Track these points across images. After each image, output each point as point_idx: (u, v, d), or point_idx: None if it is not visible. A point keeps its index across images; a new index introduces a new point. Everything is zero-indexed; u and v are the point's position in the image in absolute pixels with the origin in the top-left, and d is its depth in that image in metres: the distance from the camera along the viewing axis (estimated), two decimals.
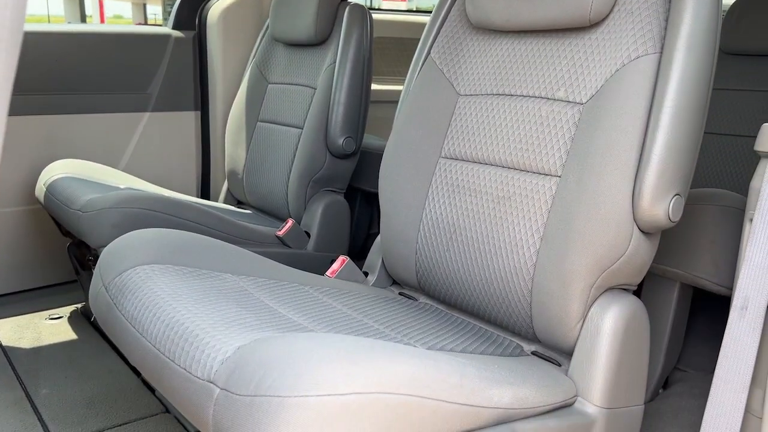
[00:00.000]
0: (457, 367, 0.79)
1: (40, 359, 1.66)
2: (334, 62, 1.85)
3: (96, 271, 1.05)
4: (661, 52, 1.00)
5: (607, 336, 0.99)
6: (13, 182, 2.05)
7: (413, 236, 1.29)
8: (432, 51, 1.35)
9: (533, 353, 1.11)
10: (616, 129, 1.00)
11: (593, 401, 0.99)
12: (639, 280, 1.07)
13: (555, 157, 1.09)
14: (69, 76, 2.12)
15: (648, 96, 0.99)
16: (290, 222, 1.79)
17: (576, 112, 1.08)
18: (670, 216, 0.98)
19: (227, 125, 2.22)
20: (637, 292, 1.51)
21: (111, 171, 2.02)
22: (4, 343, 1.75)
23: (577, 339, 1.03)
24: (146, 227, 1.52)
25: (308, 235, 1.83)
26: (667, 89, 0.97)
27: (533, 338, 1.12)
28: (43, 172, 1.88)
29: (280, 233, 1.77)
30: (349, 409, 0.66)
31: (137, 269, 0.98)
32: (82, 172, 1.87)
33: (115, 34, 2.19)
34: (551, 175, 1.09)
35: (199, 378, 0.73)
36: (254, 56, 2.20)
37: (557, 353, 1.10)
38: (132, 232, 1.10)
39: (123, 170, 2.28)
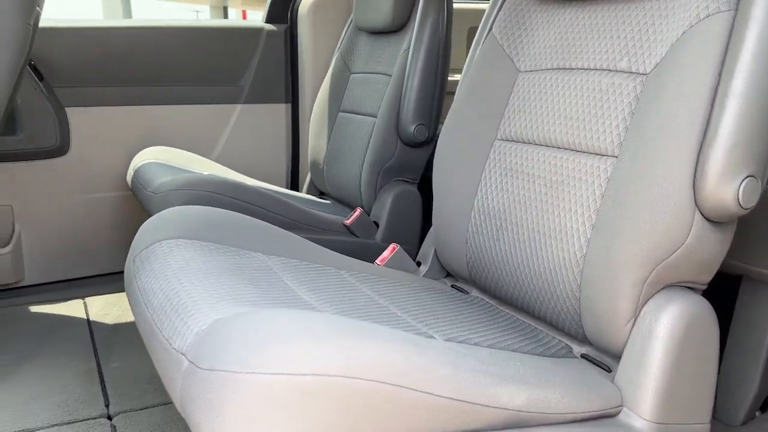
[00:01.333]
0: (451, 358, 0.70)
1: (119, 335, 1.75)
2: (409, 48, 1.79)
3: (132, 245, 1.07)
4: (737, 10, 0.84)
5: (662, 339, 0.85)
6: (112, 169, 2.18)
7: (464, 225, 1.20)
8: (494, 27, 1.26)
9: (582, 356, 0.99)
10: (679, 98, 0.86)
11: (642, 414, 0.85)
12: (707, 279, 0.91)
13: (613, 135, 0.96)
14: (167, 68, 2.22)
15: (718, 61, 0.84)
16: (358, 211, 1.75)
17: (638, 83, 0.94)
18: (741, 201, 0.82)
19: (312, 116, 2.23)
20: (730, 298, 1.32)
21: (198, 158, 2.08)
22: (91, 318, 1.86)
23: (627, 341, 0.90)
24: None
25: (377, 225, 1.78)
26: (742, 51, 0.82)
27: (583, 339, 0.99)
28: (134, 158, 1.98)
29: (348, 222, 1.74)
30: (306, 391, 0.60)
31: (162, 243, 0.98)
32: (169, 158, 1.94)
33: (210, 29, 2.27)
34: (608, 156, 0.96)
35: (174, 349, 0.70)
36: (339, 47, 2.19)
37: (608, 357, 0.97)
38: (172, 209, 1.11)
39: (215, 161, 2.36)
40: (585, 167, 0.99)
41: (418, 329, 0.90)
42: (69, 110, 2.12)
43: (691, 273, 0.88)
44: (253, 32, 2.35)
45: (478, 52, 1.29)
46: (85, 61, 2.10)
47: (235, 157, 2.38)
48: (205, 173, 1.88)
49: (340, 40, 2.22)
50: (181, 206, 1.11)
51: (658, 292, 0.89)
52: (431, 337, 0.86)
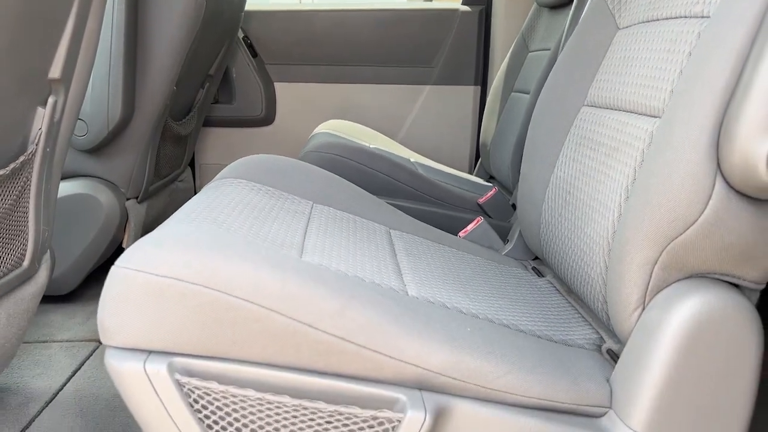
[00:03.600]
0: (345, 296, 0.66)
1: None
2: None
3: None
4: None
5: (669, 336, 0.68)
6: (305, 139, 2.41)
7: (540, 198, 1.09)
8: None
9: (608, 351, 0.83)
10: (711, 41, 0.68)
11: (629, 422, 0.70)
12: (756, 275, 0.70)
13: (665, 92, 0.79)
14: (363, 49, 2.37)
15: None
16: (494, 190, 1.67)
17: (702, 28, 0.76)
18: None
19: (488, 97, 2.18)
20: None
21: (373, 134, 2.19)
22: None
23: (630, 334, 0.74)
24: (336, 173, 1.62)
25: (515, 208, 1.68)
26: None
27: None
28: (315, 129, 2.16)
29: (481, 201, 1.68)
30: (163, 293, 0.63)
31: (218, 181, 1.08)
32: (341, 130, 2.08)
33: (407, 11, 2.36)
34: (656, 117, 0.80)
35: None
36: (524, 26, 2.11)
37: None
38: (251, 156, 1.21)
39: (400, 140, 2.45)
40: (636, 130, 0.83)
41: (394, 281, 0.84)
42: (277, 85, 2.40)
43: (723, 261, 0.69)
44: (449, 14, 2.37)
45: (585, 10, 1.15)
46: (293, 40, 2.35)
47: (420, 138, 2.44)
48: (371, 146, 1.97)
49: (526, 19, 2.13)
50: (259, 155, 1.20)
51: (680, 280, 0.72)
52: (403, 290, 0.80)
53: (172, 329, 0.63)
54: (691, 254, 0.69)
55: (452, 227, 1.64)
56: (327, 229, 0.99)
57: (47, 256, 1.21)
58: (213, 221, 0.83)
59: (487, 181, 2.10)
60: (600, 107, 0.98)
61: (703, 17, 0.77)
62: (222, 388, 0.64)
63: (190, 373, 0.64)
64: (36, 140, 1.05)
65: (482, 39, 2.39)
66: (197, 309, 0.63)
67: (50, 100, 1.05)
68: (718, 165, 0.65)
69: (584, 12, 1.15)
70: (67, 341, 1.47)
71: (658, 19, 0.90)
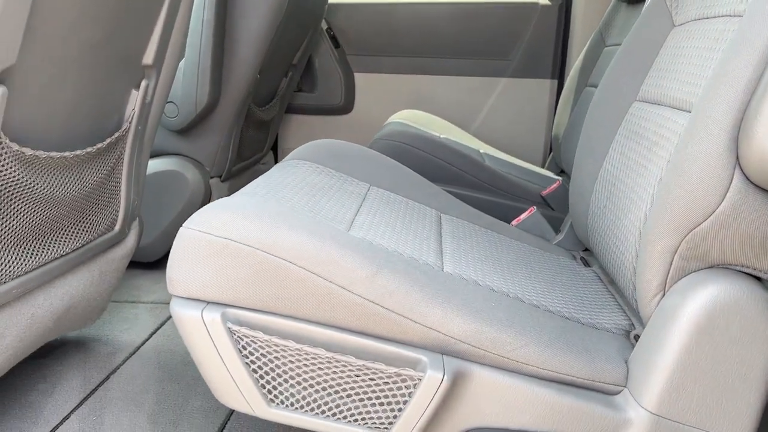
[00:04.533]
0: (378, 264, 0.74)
1: None
2: None
3: None
4: None
5: (685, 320, 0.72)
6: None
7: (589, 190, 1.13)
8: None
9: (635, 336, 0.87)
10: (738, 39, 0.70)
11: (642, 402, 0.74)
12: None
13: (700, 88, 0.82)
14: (441, 41, 2.43)
15: None
16: (558, 182, 1.70)
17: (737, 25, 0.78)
18: None
19: (563, 90, 2.19)
20: None
21: (444, 124, 2.25)
22: None
23: (650, 318, 0.77)
24: (402, 160, 1.70)
25: None
26: None
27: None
28: (388, 119, 2.24)
29: (545, 193, 1.71)
30: (222, 252, 0.72)
31: (286, 162, 1.18)
32: (413, 120, 2.15)
33: (487, 4, 2.40)
34: (689, 112, 0.82)
35: None
36: (602, 20, 2.10)
37: None
38: (318, 140, 1.30)
39: (473, 131, 2.49)
40: (675, 125, 0.86)
41: (432, 258, 0.91)
42: (357, 75, 2.50)
43: (742, 253, 0.71)
44: (528, 7, 2.39)
45: (645, 6, 1.16)
46: (374, 32, 2.44)
47: (494, 130, 2.47)
48: (440, 136, 2.03)
49: (605, 13, 2.12)
50: (325, 139, 1.29)
51: (700, 270, 0.74)
52: (439, 266, 0.87)
53: (227, 283, 0.73)
54: (710, 245, 0.72)
55: (511, 217, 1.68)
56: (378, 209, 1.06)
57: (136, 224, 1.35)
58: (273, 195, 0.92)
59: (558, 175, 2.11)
60: (649, 102, 1.01)
61: (741, 16, 0.79)
62: (266, 337, 0.73)
63: (240, 323, 0.74)
64: (130, 119, 1.19)
65: (561, 33, 2.39)
66: (248, 267, 0.72)
67: (143, 84, 1.19)
68: (737, 159, 0.68)
69: (644, 8, 1.16)
70: (151, 303, 1.63)
71: (707, 17, 0.92)
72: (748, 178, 0.68)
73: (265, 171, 2.40)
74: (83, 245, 1.13)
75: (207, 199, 1.84)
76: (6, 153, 0.86)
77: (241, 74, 1.73)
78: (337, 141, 1.30)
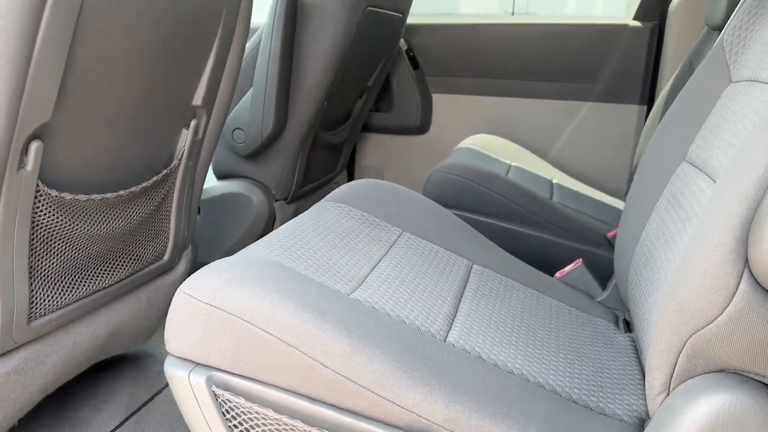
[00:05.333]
0: (359, 341, 0.72)
1: None
2: None
3: None
4: None
5: (687, 427, 0.66)
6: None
7: (630, 252, 1.06)
8: (726, 29, 1.03)
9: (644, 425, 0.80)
10: (760, 122, 0.63)
11: None
12: None
13: (728, 154, 0.74)
14: (521, 63, 2.36)
15: None
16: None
17: None
18: None
19: (648, 118, 2.06)
20: None
21: (516, 149, 2.19)
22: None
23: (653, 417, 0.71)
24: (458, 193, 1.66)
25: None
26: None
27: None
28: (460, 143, 2.21)
29: (611, 234, 1.61)
30: (209, 318, 0.74)
31: (322, 203, 1.19)
32: (484, 145, 2.11)
33: (571, 26, 2.30)
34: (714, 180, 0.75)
35: None
36: (693, 48, 1.95)
37: None
38: (360, 180, 1.30)
39: (552, 158, 2.40)
40: (705, 199, 0.79)
41: (438, 325, 0.88)
42: (435, 96, 2.48)
43: (753, 360, 0.64)
44: (617, 29, 2.27)
45: (704, 57, 1.07)
46: (453, 53, 2.41)
47: (574, 158, 2.37)
48: (512, 164, 1.98)
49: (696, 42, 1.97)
50: (367, 180, 1.29)
51: (708, 373, 0.68)
52: (442, 336, 0.84)
53: (213, 348, 0.75)
54: (717, 349, 0.65)
55: (569, 259, 1.61)
56: (402, 260, 1.05)
57: (188, 251, 1.42)
58: (287, 249, 0.94)
59: None
60: (694, 166, 0.93)
61: None
62: (248, 404, 0.74)
63: (225, 387, 0.75)
64: (180, 155, 1.24)
65: (652, 57, 2.25)
66: (233, 335, 0.74)
67: (193, 123, 1.24)
68: (746, 261, 0.61)
69: (703, 60, 1.07)
70: None
71: (758, 81, 0.83)
72: (758, 282, 0.61)
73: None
74: (129, 276, 1.20)
75: (271, 221, 1.89)
76: (44, 199, 0.93)
77: (306, 103, 1.77)
78: (377, 182, 1.30)
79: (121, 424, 1.25)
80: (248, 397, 0.75)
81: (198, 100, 1.22)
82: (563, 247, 1.61)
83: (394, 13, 2.04)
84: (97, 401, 1.32)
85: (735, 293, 0.61)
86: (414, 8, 2.34)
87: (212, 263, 0.81)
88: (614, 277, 1.21)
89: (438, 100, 2.48)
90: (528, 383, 0.82)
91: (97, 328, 1.16)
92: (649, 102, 2.29)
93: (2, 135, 0.80)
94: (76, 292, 1.06)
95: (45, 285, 0.99)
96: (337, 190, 1.25)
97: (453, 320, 0.92)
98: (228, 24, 1.19)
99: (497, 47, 2.36)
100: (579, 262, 1.23)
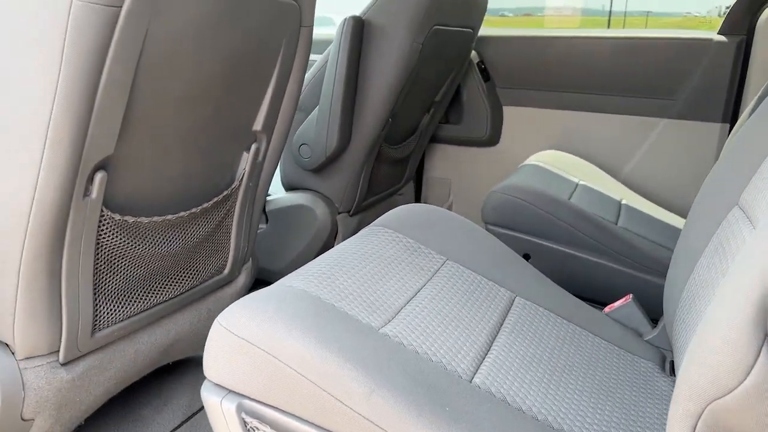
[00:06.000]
0: (376, 382, 0.75)
1: None
2: None
3: None
4: None
5: None
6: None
7: (677, 297, 1.03)
8: None
9: None
10: None
11: None
12: None
13: None
14: (596, 76, 2.30)
15: None
16: None
17: None
18: None
19: (729, 137, 1.96)
20: None
21: (585, 166, 2.14)
22: None
23: None
24: (517, 215, 1.65)
25: None
26: None
27: None
28: (528, 158, 2.19)
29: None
30: (240, 351, 0.79)
31: (369, 228, 1.22)
32: (553, 163, 2.08)
33: (651, 39, 2.23)
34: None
35: None
36: None
37: None
38: (409, 205, 1.33)
39: (625, 176, 2.33)
40: (745, 245, 0.76)
41: (465, 364, 0.89)
42: (506, 108, 2.46)
43: None
44: (701, 44, 2.17)
45: None
46: (525, 66, 2.38)
47: (648, 177, 2.29)
48: (579, 182, 1.94)
49: None
50: (418, 204, 1.31)
51: None
52: (468, 376, 0.85)
53: (244, 378, 0.80)
54: (736, 421, 0.63)
55: (628, 289, 1.57)
56: (441, 291, 1.07)
57: (248, 265, 1.49)
58: (325, 278, 0.98)
59: None
60: (743, 212, 0.89)
61: None
62: None
63: (254, 415, 0.80)
64: (240, 177, 1.31)
65: (737, 73, 2.13)
66: (261, 367, 0.78)
67: (253, 147, 1.30)
68: (767, 333, 0.59)
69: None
70: None
71: None
72: None
73: (403, 201, 2.47)
74: (189, 289, 1.28)
75: (334, 233, 1.95)
76: (108, 223, 1.01)
77: (370, 121, 1.81)
78: (427, 207, 1.31)
79: (180, 425, 1.34)
80: (274, 426, 0.79)
81: (258, 126, 1.28)
82: (622, 275, 1.57)
83: (464, 29, 2.05)
84: (159, 402, 1.41)
85: (753, 366, 0.60)
86: (500, 4, 2.32)
87: (247, 296, 0.86)
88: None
89: (509, 112, 2.46)
90: (551, 431, 0.82)
91: (159, 337, 1.25)
92: (732, 120, 2.18)
93: (69, 167, 0.88)
94: (137, 305, 1.15)
95: (108, 300, 1.08)
96: (386, 214, 1.28)
97: (484, 358, 0.93)
98: (287, 55, 1.24)
99: (572, 60, 2.31)
100: (629, 298, 1.20)
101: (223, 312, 0.84)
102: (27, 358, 0.98)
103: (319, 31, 2.52)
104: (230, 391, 0.82)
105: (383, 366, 0.79)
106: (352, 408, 0.75)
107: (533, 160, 2.09)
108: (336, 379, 0.76)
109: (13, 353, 0.97)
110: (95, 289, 1.04)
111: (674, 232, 1.81)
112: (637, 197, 2.06)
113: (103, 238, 1.02)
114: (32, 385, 0.98)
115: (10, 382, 0.95)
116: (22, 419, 0.99)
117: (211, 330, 0.83)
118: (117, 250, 1.05)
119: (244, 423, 0.80)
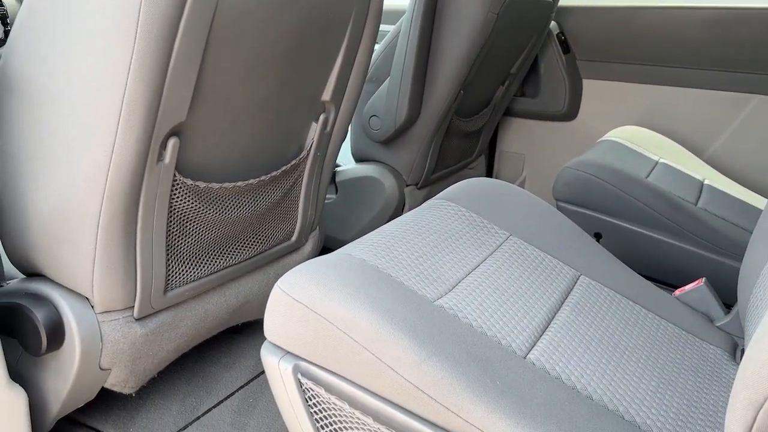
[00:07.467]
0: (428, 351, 0.76)
1: None
2: None
3: None
4: None
5: None
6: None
7: (754, 279, 0.98)
8: None
9: None
10: None
11: None
12: None
13: None
14: (681, 49, 2.18)
15: None
16: None
17: None
18: None
19: None
20: None
21: (666, 143, 2.05)
22: None
23: None
24: (589, 192, 1.60)
25: None
26: None
27: None
28: (607, 133, 2.11)
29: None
30: (296, 314, 0.81)
31: (433, 201, 1.22)
32: (634, 139, 1.99)
33: (749, 10, 2.08)
34: None
35: None
36: None
37: None
38: (475, 178, 1.31)
39: (710, 154, 2.21)
40: None
41: (521, 341, 0.88)
42: (585, 82, 2.38)
43: None
44: None
45: None
46: (609, 38, 2.29)
47: (737, 155, 2.17)
48: (659, 161, 1.86)
49: None
50: (483, 179, 1.30)
51: None
52: (523, 352, 0.84)
53: (300, 340, 0.82)
54: None
55: (702, 272, 1.50)
56: (502, 266, 1.06)
57: (315, 233, 1.52)
58: (385, 249, 0.99)
59: None
60: None
61: None
62: (327, 395, 0.81)
63: (309, 377, 0.83)
64: (309, 147, 1.34)
65: None
66: (316, 330, 0.81)
67: (322, 117, 1.32)
68: None
69: None
70: None
71: None
72: None
73: (474, 175, 2.44)
74: (258, 254, 1.33)
75: (401, 205, 1.96)
76: (180, 187, 1.06)
77: (441, 92, 1.79)
78: (492, 181, 1.30)
79: (247, 383, 1.40)
80: (328, 388, 0.82)
81: (327, 95, 1.30)
82: (697, 257, 1.50)
83: None
84: (228, 360, 1.48)
85: None
86: None
87: (307, 262, 0.88)
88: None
89: (589, 86, 2.37)
90: (605, 411, 0.80)
91: (228, 298, 1.30)
92: None
93: (143, 134, 0.92)
94: (207, 267, 1.20)
95: (180, 261, 1.13)
96: (451, 187, 1.28)
97: (541, 335, 0.92)
98: (356, 25, 1.25)
99: (658, 32, 2.20)
100: (702, 281, 1.15)
101: (283, 276, 0.86)
102: (104, 312, 1.04)
103: (391, 2, 2.50)
104: (288, 353, 0.85)
105: (435, 336, 0.80)
106: (402, 375, 0.76)
107: (611, 136, 2.02)
108: (386, 345, 0.77)
109: (92, 307, 1.04)
110: (168, 250, 1.10)
111: (758, 215, 1.71)
112: (722, 177, 1.96)
113: (176, 202, 1.06)
114: (109, 338, 1.05)
115: (90, 333, 1.02)
116: (100, 368, 1.06)
117: (271, 293, 0.86)
118: (189, 214, 1.10)
119: (300, 384, 0.83)
